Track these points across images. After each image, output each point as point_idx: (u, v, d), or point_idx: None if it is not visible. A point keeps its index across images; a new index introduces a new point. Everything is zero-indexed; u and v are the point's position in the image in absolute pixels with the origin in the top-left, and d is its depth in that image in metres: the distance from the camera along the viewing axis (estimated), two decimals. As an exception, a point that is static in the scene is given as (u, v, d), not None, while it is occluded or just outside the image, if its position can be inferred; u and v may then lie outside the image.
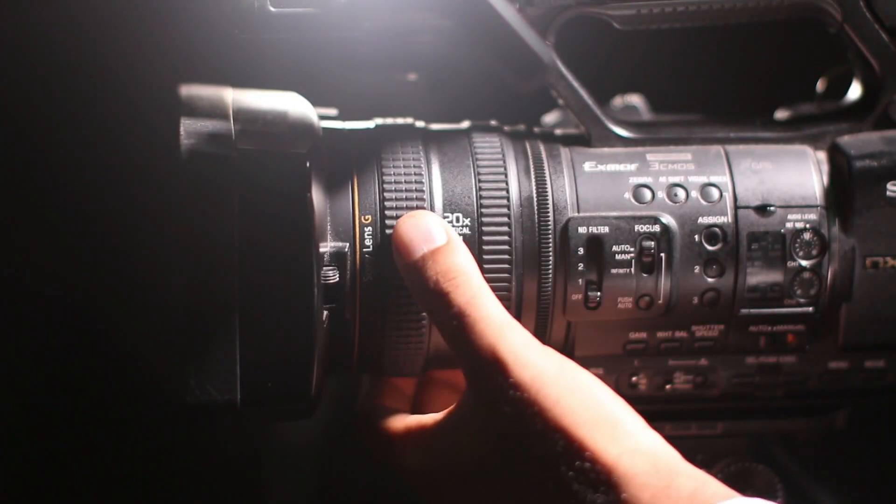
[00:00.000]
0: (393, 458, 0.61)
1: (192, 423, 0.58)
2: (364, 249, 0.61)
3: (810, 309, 0.63)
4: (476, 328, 0.57)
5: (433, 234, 0.60)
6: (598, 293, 0.62)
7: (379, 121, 0.66)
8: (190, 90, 0.63)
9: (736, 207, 0.63)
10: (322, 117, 0.65)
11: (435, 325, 0.60)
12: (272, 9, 0.59)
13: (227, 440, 0.87)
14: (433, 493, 0.59)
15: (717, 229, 0.62)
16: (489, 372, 0.56)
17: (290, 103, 0.63)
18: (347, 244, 0.60)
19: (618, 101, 0.73)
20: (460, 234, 0.61)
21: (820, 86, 0.72)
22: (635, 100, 0.73)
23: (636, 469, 0.53)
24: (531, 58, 0.50)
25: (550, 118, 0.73)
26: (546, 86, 0.63)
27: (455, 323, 0.58)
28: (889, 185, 0.63)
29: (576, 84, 0.64)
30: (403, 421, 0.61)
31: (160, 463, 0.86)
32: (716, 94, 0.88)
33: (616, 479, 0.53)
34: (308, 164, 0.58)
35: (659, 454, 0.55)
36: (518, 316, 0.62)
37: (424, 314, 0.61)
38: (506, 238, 0.61)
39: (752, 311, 0.63)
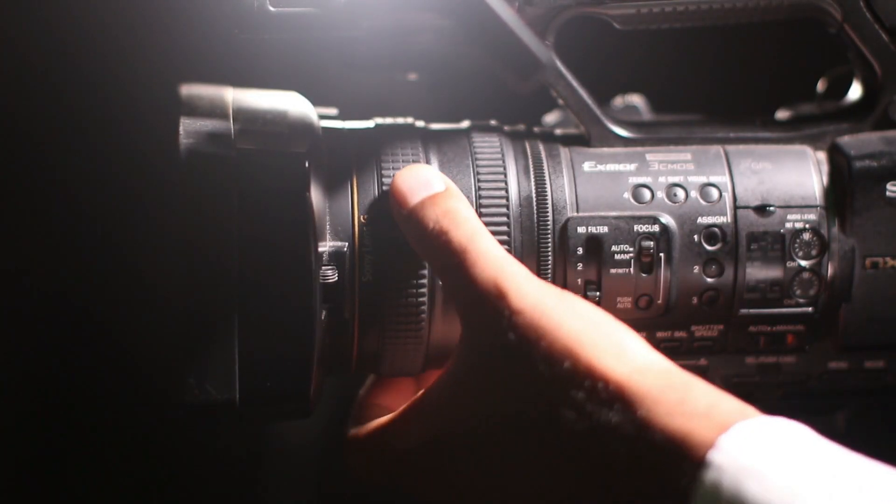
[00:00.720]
0: (391, 444, 0.60)
1: (191, 423, 0.58)
2: (363, 249, 0.61)
3: (810, 309, 0.63)
4: (477, 262, 0.57)
5: (431, 182, 0.60)
6: (598, 293, 0.62)
7: (379, 120, 0.66)
8: (190, 89, 0.63)
9: (735, 207, 0.63)
10: (322, 117, 0.65)
11: (434, 268, 0.60)
12: (271, 8, 0.59)
13: (226, 440, 0.87)
14: (440, 470, 0.58)
15: (716, 229, 0.62)
16: (490, 303, 0.56)
17: (291, 103, 0.63)
18: (346, 244, 0.60)
19: (618, 101, 0.73)
20: None
21: (820, 86, 0.72)
22: (636, 100, 0.73)
23: (649, 385, 0.52)
24: (529, 57, 0.50)
25: (551, 118, 0.73)
26: (546, 85, 0.63)
27: (455, 260, 0.57)
28: (889, 186, 0.63)
29: (575, 84, 0.64)
30: (393, 414, 0.61)
31: (160, 462, 0.86)
32: (716, 94, 0.88)
33: (629, 396, 0.52)
34: (307, 164, 0.58)
35: (671, 371, 0.54)
36: None
37: (423, 313, 0.61)
38: (505, 238, 0.61)
39: (752, 311, 0.63)
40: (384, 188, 0.61)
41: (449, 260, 0.58)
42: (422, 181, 0.60)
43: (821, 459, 0.48)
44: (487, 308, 0.56)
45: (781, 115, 0.71)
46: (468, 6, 0.52)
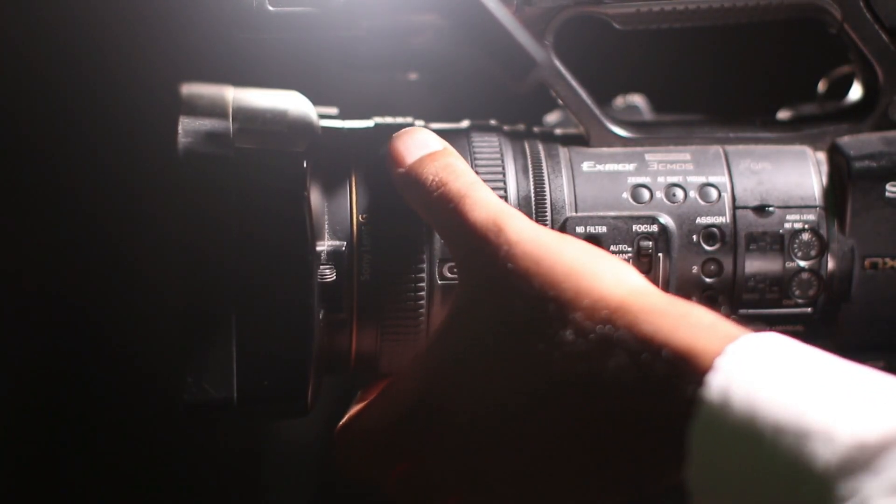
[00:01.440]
0: (388, 402, 0.59)
1: (189, 421, 0.58)
2: (362, 248, 0.61)
3: (809, 309, 0.63)
4: (476, 206, 0.57)
5: (428, 142, 0.60)
6: (596, 293, 0.62)
7: (378, 120, 0.66)
8: (191, 88, 0.63)
9: (734, 208, 0.63)
10: (322, 116, 0.65)
11: (432, 220, 0.60)
12: (271, 8, 0.59)
13: (226, 439, 0.87)
14: (442, 428, 0.57)
15: (715, 229, 0.62)
16: (490, 237, 0.56)
17: (291, 102, 0.63)
18: (345, 243, 0.61)
19: (619, 101, 0.73)
20: None
21: (821, 86, 0.72)
22: (637, 100, 0.73)
23: (652, 302, 0.52)
24: (524, 57, 0.50)
25: (552, 118, 0.73)
26: (543, 85, 0.63)
27: (453, 206, 0.57)
28: (888, 186, 0.63)
29: (574, 84, 0.64)
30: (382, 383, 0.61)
31: (159, 461, 0.86)
32: (717, 94, 0.88)
33: (633, 312, 0.52)
34: (305, 164, 0.58)
35: (668, 295, 0.54)
36: None
37: (422, 311, 0.61)
38: None
39: (751, 311, 0.63)
40: (383, 188, 0.61)
41: (447, 206, 0.58)
42: (419, 141, 0.60)
43: (828, 366, 0.48)
44: (486, 244, 0.56)
45: (783, 115, 0.71)
46: (463, 5, 0.52)
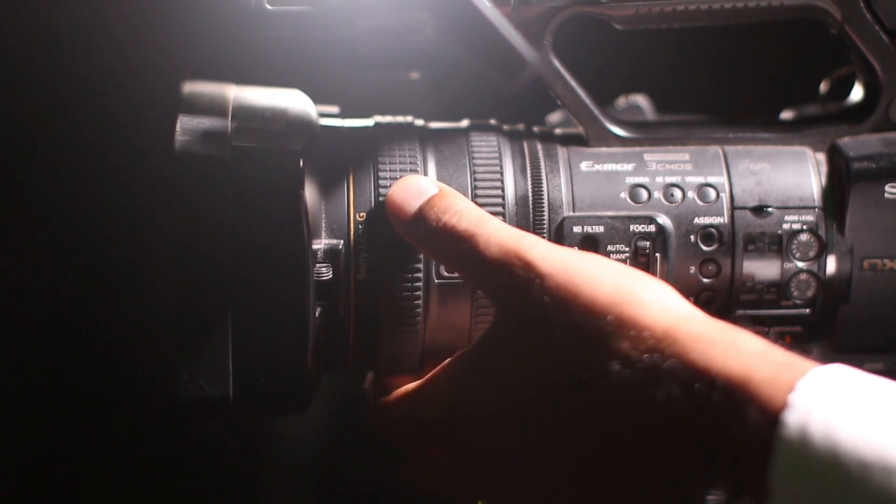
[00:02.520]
0: (418, 413, 0.59)
1: (186, 418, 0.58)
2: (359, 247, 0.61)
3: (807, 310, 0.63)
4: (490, 241, 0.57)
5: (424, 188, 0.60)
6: (593, 293, 0.62)
7: (378, 119, 0.66)
8: (193, 87, 0.63)
9: (733, 208, 0.62)
10: (322, 115, 0.65)
11: (448, 263, 0.60)
12: (269, 7, 0.59)
13: (226, 438, 0.87)
14: (465, 449, 0.57)
15: (713, 230, 0.62)
16: (516, 275, 0.55)
17: (291, 100, 0.63)
18: (342, 241, 0.61)
19: (622, 101, 0.73)
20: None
21: (823, 87, 0.72)
22: (640, 100, 0.73)
23: (699, 329, 0.52)
24: (514, 57, 0.50)
25: (554, 118, 0.73)
26: (541, 85, 0.63)
27: (466, 246, 0.57)
28: (888, 187, 0.63)
29: (573, 84, 0.64)
30: (415, 383, 0.60)
31: (157, 460, 0.86)
32: (719, 95, 0.88)
33: (681, 341, 0.51)
34: (301, 162, 0.58)
35: (713, 319, 0.53)
36: None
37: (419, 310, 0.61)
38: None
39: (749, 311, 0.63)
40: (381, 187, 0.61)
41: (460, 248, 0.57)
42: (414, 190, 0.60)
43: None
44: (515, 279, 0.55)
45: (786, 115, 0.71)
46: (453, 4, 0.52)
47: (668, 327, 0.52)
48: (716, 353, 0.50)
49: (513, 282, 0.55)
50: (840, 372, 0.49)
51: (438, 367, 0.59)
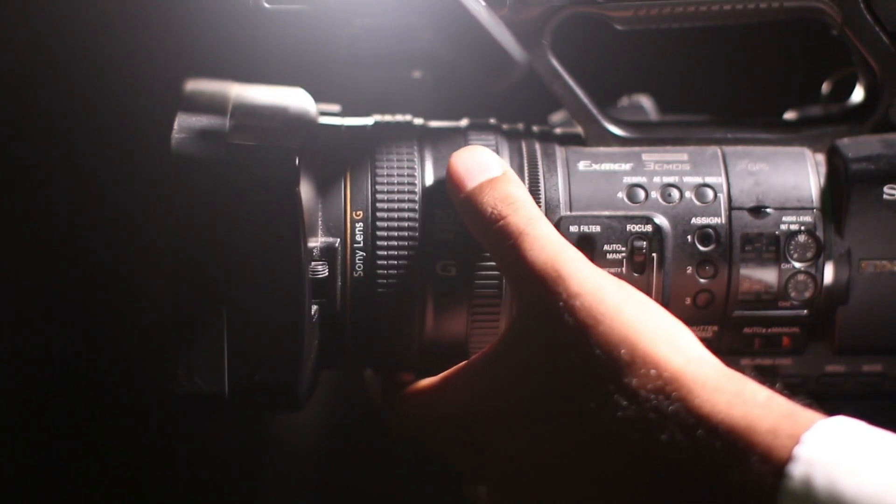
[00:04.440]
0: (428, 411, 0.60)
1: (181, 415, 0.59)
2: (355, 245, 0.61)
3: (805, 311, 0.63)
4: (535, 246, 0.57)
5: (489, 165, 0.60)
6: (590, 292, 0.62)
7: (378, 118, 0.66)
8: (195, 85, 0.63)
9: (730, 208, 0.62)
10: (323, 113, 0.65)
11: (489, 250, 0.59)
12: (267, 5, 0.59)
13: (225, 436, 0.87)
14: (479, 445, 0.58)
15: (710, 230, 0.62)
16: (548, 286, 0.56)
17: (291, 99, 0.63)
18: (338, 239, 0.61)
19: (624, 102, 0.73)
20: (452, 232, 0.61)
21: (825, 88, 0.72)
22: (643, 100, 0.73)
23: (706, 375, 0.52)
24: (502, 56, 0.50)
25: (557, 118, 0.73)
26: (541, 85, 0.63)
27: (511, 242, 0.57)
28: (886, 189, 0.62)
29: (572, 84, 0.64)
30: (437, 377, 0.60)
31: (156, 458, 0.87)
32: (720, 95, 0.88)
33: (687, 385, 0.52)
34: (297, 160, 0.58)
35: (722, 365, 0.54)
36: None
37: (415, 308, 0.61)
38: None
39: (746, 312, 0.63)
40: (378, 185, 0.62)
41: (506, 243, 0.58)
42: (479, 164, 0.60)
43: None
44: (545, 290, 0.56)
45: (789, 116, 0.70)
46: (441, 4, 0.52)
47: (678, 369, 0.53)
48: (720, 401, 0.51)
49: (542, 291, 0.56)
50: (845, 425, 0.49)
51: (458, 366, 0.60)
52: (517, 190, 0.59)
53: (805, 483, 0.47)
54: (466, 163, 0.60)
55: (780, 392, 0.52)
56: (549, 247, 0.57)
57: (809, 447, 0.48)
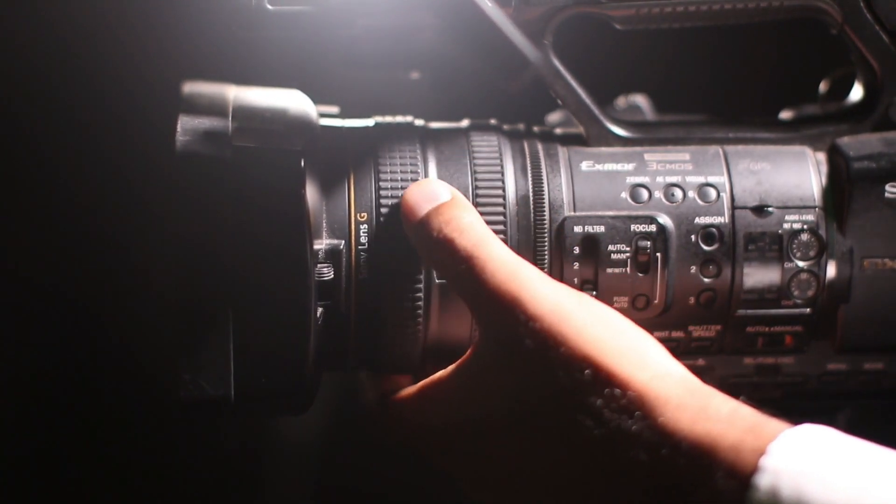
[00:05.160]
0: (407, 421, 0.60)
1: (186, 418, 0.58)
2: (360, 247, 0.61)
3: (808, 310, 0.63)
4: (486, 269, 0.57)
5: (437, 193, 0.60)
6: (594, 292, 0.62)
7: (378, 119, 0.66)
8: (193, 87, 0.63)
9: (733, 208, 0.62)
10: (323, 115, 0.65)
11: (442, 276, 0.60)
12: (269, 7, 0.59)
13: (227, 437, 0.87)
14: (452, 453, 0.58)
15: (713, 229, 0.62)
16: (505, 310, 0.55)
17: (291, 101, 0.63)
18: (343, 241, 0.61)
19: (621, 101, 0.73)
20: None
21: (823, 87, 0.72)
22: (640, 100, 0.73)
23: (669, 392, 0.52)
24: (517, 56, 0.50)
25: (554, 118, 0.73)
26: (541, 85, 0.63)
27: (463, 267, 0.57)
28: (888, 187, 0.63)
29: (574, 83, 0.64)
30: (414, 387, 0.61)
31: (158, 459, 0.86)
32: (719, 95, 0.88)
33: (651, 403, 0.52)
34: (303, 162, 0.58)
35: (688, 379, 0.54)
36: None
37: (420, 310, 0.61)
38: (501, 237, 0.61)
39: (749, 311, 0.63)
40: (381, 187, 0.61)
41: (457, 268, 0.57)
42: (427, 194, 0.60)
43: (874, 461, 0.48)
44: (503, 315, 0.56)
45: (785, 115, 0.71)
46: (456, 4, 0.52)
47: (642, 387, 0.53)
48: (683, 417, 0.51)
49: (499, 316, 0.56)
50: (813, 433, 0.49)
51: (434, 377, 0.60)
52: (464, 213, 0.59)
53: (771, 493, 0.48)
54: (416, 195, 0.60)
55: (748, 403, 0.52)
56: (501, 269, 0.57)
57: (775, 457, 0.48)
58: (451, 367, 0.59)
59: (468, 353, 0.58)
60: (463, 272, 0.57)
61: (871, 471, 0.48)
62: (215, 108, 0.61)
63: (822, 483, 0.47)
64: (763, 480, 0.48)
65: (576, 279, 0.62)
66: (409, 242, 0.60)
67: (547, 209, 0.62)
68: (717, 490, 0.49)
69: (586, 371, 0.53)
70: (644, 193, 0.62)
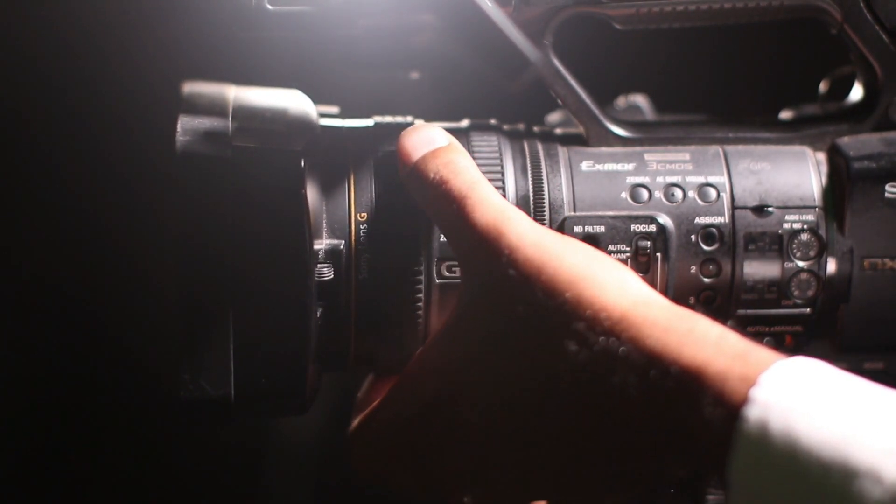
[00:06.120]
0: (390, 418, 0.59)
1: (186, 418, 0.58)
2: (360, 247, 0.61)
3: (808, 310, 0.63)
4: (476, 208, 0.57)
5: (435, 138, 0.60)
6: (594, 292, 0.62)
7: (378, 119, 0.66)
8: (192, 87, 0.63)
9: (733, 208, 0.62)
10: (322, 115, 0.65)
11: (436, 221, 0.60)
12: (269, 7, 0.59)
13: (226, 437, 0.87)
14: (454, 424, 0.57)
15: (713, 229, 0.62)
16: (489, 244, 0.56)
17: (291, 101, 0.63)
18: (343, 241, 0.61)
19: (621, 101, 0.73)
20: None
21: (823, 87, 0.72)
22: (639, 100, 0.73)
23: (655, 315, 0.52)
24: (517, 56, 0.50)
25: (554, 117, 0.73)
26: (541, 85, 0.63)
27: (455, 206, 0.57)
28: (888, 187, 0.63)
29: (574, 84, 0.64)
30: (413, 358, 0.60)
31: (158, 459, 0.86)
32: (719, 95, 0.88)
33: (637, 326, 0.51)
34: (303, 162, 0.58)
35: (671, 305, 0.53)
36: None
37: (420, 310, 0.61)
38: None
39: (749, 311, 0.63)
40: (381, 187, 0.61)
41: (449, 207, 0.58)
42: (425, 138, 0.60)
43: (866, 395, 0.48)
44: (487, 248, 0.56)
45: (785, 115, 0.71)
46: (457, 5, 0.52)
47: (626, 310, 0.52)
48: (670, 340, 0.51)
49: (484, 251, 0.56)
50: (804, 366, 0.49)
51: (411, 361, 0.59)
52: (461, 158, 0.60)
53: (761, 426, 0.47)
54: (413, 138, 0.60)
55: (734, 329, 0.52)
56: (491, 208, 0.57)
57: (765, 389, 0.48)
58: (432, 335, 0.59)
59: (447, 316, 0.58)
60: (454, 211, 0.57)
61: (863, 408, 0.47)
62: (215, 108, 0.61)
63: (814, 419, 0.46)
64: (753, 412, 0.47)
65: None
66: (408, 238, 0.61)
67: (547, 209, 0.62)
68: (705, 417, 0.48)
69: (568, 295, 0.53)
70: (644, 193, 0.63)
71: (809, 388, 0.48)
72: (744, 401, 0.48)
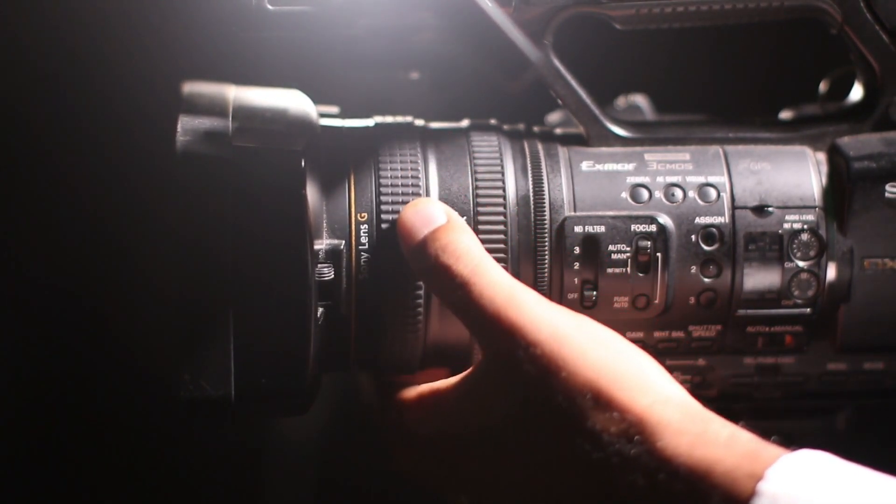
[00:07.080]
0: (404, 424, 0.60)
1: (187, 419, 0.58)
2: (360, 247, 0.61)
3: (808, 310, 0.63)
4: (483, 295, 0.57)
5: (433, 216, 0.60)
6: (594, 292, 0.62)
7: (378, 119, 0.66)
8: (193, 87, 0.63)
9: (733, 208, 0.63)
10: (322, 115, 0.65)
11: (443, 302, 0.60)
12: (270, 7, 0.59)
13: (226, 438, 0.87)
14: (446, 461, 0.58)
15: (714, 229, 0.62)
16: (504, 335, 0.56)
17: (291, 101, 0.63)
18: (343, 241, 0.61)
19: (621, 101, 0.73)
20: None
21: (823, 87, 0.72)
22: (639, 100, 0.73)
23: (669, 417, 0.52)
24: (518, 57, 0.50)
25: (554, 118, 0.73)
26: (541, 85, 0.63)
27: (460, 294, 0.57)
28: (888, 187, 0.63)
29: (574, 84, 0.64)
30: (415, 390, 0.61)
31: (158, 459, 0.86)
32: (718, 95, 0.88)
33: (650, 428, 0.52)
34: (303, 162, 0.58)
35: (688, 403, 0.54)
36: None
37: (420, 310, 0.61)
38: (502, 237, 0.61)
39: (750, 311, 0.63)
40: (382, 186, 0.61)
41: (454, 294, 0.58)
42: (424, 216, 0.60)
43: (870, 488, 0.48)
44: (502, 341, 0.56)
45: (785, 115, 0.71)
46: (457, 5, 0.52)
47: (642, 411, 0.53)
48: (681, 443, 0.51)
49: (499, 342, 0.56)
50: (810, 458, 0.50)
51: (431, 392, 0.60)
52: (461, 237, 0.59)
53: None
54: (412, 217, 0.60)
55: (747, 429, 0.53)
56: (496, 296, 0.57)
57: (773, 482, 0.48)
58: (452, 379, 0.59)
59: (471, 368, 0.58)
60: (460, 299, 0.57)
61: (867, 498, 0.48)
62: (215, 108, 0.61)
63: None
64: None
65: (576, 280, 0.62)
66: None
67: (547, 209, 0.62)
68: None
69: (586, 395, 0.53)
70: (644, 193, 0.63)
71: (815, 480, 0.48)
72: (752, 495, 0.48)
